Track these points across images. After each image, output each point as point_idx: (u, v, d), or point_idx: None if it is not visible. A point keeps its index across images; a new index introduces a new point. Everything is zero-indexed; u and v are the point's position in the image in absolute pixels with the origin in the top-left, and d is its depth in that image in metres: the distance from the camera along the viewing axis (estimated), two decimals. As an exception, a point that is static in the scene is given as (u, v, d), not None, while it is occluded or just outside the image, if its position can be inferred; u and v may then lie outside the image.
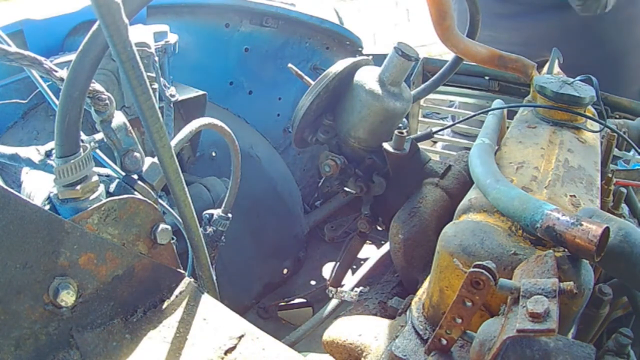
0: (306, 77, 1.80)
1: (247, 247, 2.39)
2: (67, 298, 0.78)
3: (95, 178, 0.86)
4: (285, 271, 2.57)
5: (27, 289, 0.76)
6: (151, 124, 0.83)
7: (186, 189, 0.93)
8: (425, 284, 1.26)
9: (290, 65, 1.83)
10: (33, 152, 0.98)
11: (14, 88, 1.74)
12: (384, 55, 1.62)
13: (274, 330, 2.18)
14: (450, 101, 2.98)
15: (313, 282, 2.56)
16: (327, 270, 2.60)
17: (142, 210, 0.91)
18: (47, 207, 0.86)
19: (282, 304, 2.39)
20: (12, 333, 0.76)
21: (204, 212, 1.44)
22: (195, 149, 2.18)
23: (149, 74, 1.57)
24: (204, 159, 2.27)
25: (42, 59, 0.84)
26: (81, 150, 0.84)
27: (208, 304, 0.97)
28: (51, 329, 0.80)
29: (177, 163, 0.91)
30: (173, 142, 1.10)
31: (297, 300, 2.43)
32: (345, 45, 2.67)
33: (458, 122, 1.82)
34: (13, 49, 0.82)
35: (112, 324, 0.88)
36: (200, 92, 1.97)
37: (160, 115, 0.85)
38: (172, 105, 1.67)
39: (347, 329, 1.31)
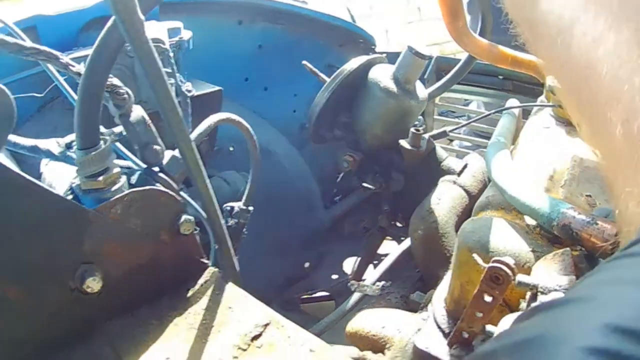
0: (321, 74, 1.83)
1: (268, 242, 2.39)
2: (93, 285, 0.79)
3: (117, 170, 0.87)
4: (306, 265, 2.57)
5: (53, 277, 0.77)
6: (171, 117, 0.85)
7: (208, 181, 0.94)
8: (446, 279, 1.27)
9: (304, 62, 1.86)
10: (53, 144, 0.99)
11: (30, 82, 1.76)
12: (398, 54, 1.64)
13: (297, 323, 2.18)
14: (465, 100, 2.97)
15: (335, 276, 2.56)
16: (348, 264, 2.59)
17: (164, 202, 0.91)
18: (69, 198, 0.87)
19: (305, 296, 2.40)
20: (39, 320, 0.77)
21: (225, 205, 1.45)
22: (213, 143, 2.18)
23: (165, 69, 1.59)
24: (222, 153, 2.28)
25: (58, 53, 0.85)
26: (102, 142, 0.85)
27: (233, 292, 0.98)
28: (77, 316, 0.81)
29: (198, 155, 0.92)
30: (192, 136, 1.10)
31: (319, 294, 2.43)
32: (359, 43, 2.66)
33: (472, 121, 1.86)
34: (29, 43, 0.83)
35: (138, 310, 0.89)
36: (216, 88, 1.98)
37: (179, 108, 0.85)
38: (189, 100, 1.67)
39: (370, 321, 1.33)
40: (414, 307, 1.49)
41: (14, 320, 0.75)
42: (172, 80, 1.59)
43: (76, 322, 0.82)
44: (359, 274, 1.82)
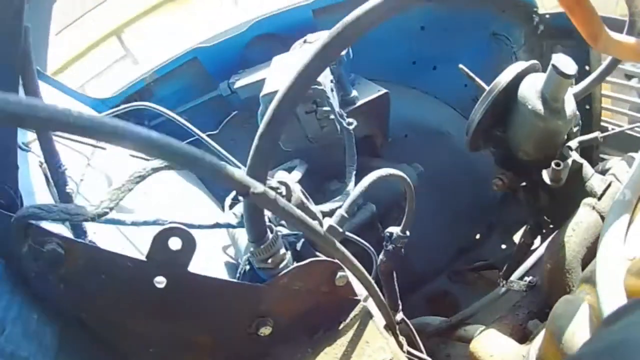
0: (477, 80, 1.91)
1: (441, 215, 2.61)
2: (266, 330, 1.12)
3: (282, 251, 1.13)
4: (477, 236, 2.76)
5: (234, 328, 1.11)
6: (312, 235, 1.09)
7: (349, 255, 1.17)
8: (542, 331, 1.31)
9: (460, 66, 1.94)
10: (231, 217, 1.28)
11: (207, 105, 2.10)
12: (560, 15, 1.66)
13: (462, 293, 2.40)
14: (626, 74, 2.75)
15: (503, 246, 2.71)
16: (518, 233, 2.70)
17: (324, 267, 1.18)
18: (247, 267, 1.19)
19: (472, 268, 2.61)
20: (231, 354, 1.15)
21: (385, 231, 1.67)
22: (386, 134, 2.35)
23: (324, 108, 1.80)
24: (396, 141, 2.46)
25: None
26: (269, 233, 1.10)
27: (373, 328, 1.24)
28: (253, 350, 1.16)
29: (339, 245, 1.15)
30: (348, 200, 1.35)
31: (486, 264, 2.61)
32: (520, 7, 2.57)
33: (621, 130, 1.87)
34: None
35: (299, 341, 1.21)
36: (382, 91, 2.11)
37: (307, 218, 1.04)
38: (352, 132, 1.85)
39: (484, 347, 1.51)
40: (530, 334, 1.59)
41: (202, 357, 1.12)
42: (332, 117, 1.79)
43: (250, 354, 1.16)
44: (508, 272, 1.95)
